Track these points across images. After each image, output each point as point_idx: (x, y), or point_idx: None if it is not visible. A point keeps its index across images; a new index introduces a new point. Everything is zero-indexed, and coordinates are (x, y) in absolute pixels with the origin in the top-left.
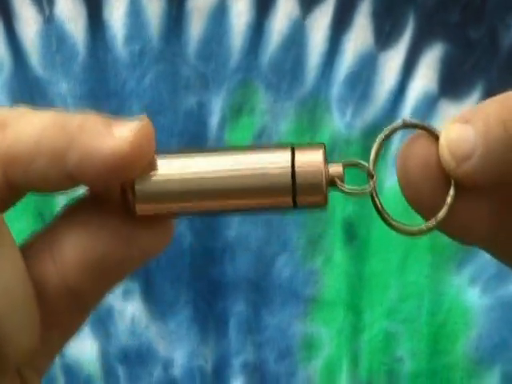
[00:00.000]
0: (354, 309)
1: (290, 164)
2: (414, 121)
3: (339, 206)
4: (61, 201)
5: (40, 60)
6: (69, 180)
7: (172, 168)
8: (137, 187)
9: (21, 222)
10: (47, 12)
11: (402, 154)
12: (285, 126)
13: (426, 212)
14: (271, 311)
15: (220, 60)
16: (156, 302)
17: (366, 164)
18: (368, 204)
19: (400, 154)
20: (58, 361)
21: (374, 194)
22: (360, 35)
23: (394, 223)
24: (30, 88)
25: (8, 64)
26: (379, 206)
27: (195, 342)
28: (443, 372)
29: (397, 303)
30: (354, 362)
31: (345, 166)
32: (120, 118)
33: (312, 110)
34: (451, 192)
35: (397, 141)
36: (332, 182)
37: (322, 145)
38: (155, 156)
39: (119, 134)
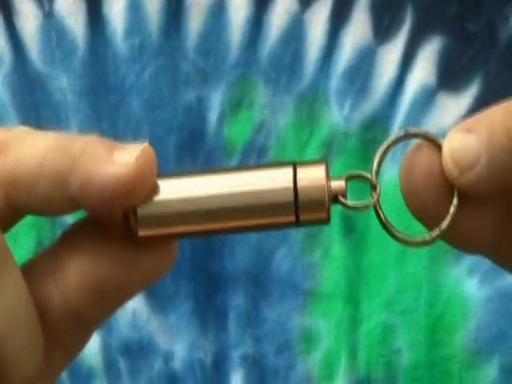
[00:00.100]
0: (353, 301)
1: (291, 181)
2: (417, 130)
3: None
4: None
5: (40, 55)
6: (71, 203)
7: (173, 190)
8: (139, 212)
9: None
10: (47, 7)
11: (406, 163)
12: (284, 120)
13: (430, 222)
14: (270, 304)
15: (219, 55)
16: (156, 296)
17: (369, 176)
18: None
19: (403, 164)
20: None
21: (378, 207)
22: (358, 29)
23: (398, 235)
24: (30, 83)
25: (8, 59)
26: (383, 218)
27: (195, 335)
28: (441, 363)
29: (395, 295)
30: (353, 354)
31: (347, 180)
32: (122, 142)
33: (311, 103)
34: (455, 201)
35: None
36: (335, 198)
37: (324, 160)
38: (156, 179)
39: (120, 160)
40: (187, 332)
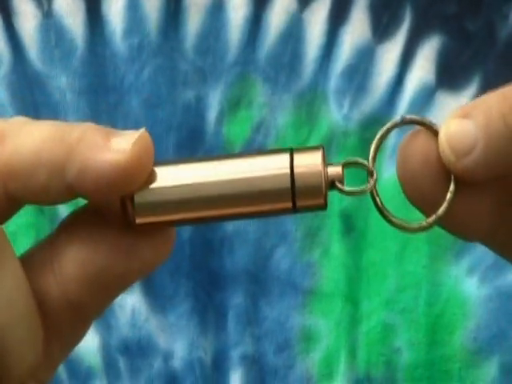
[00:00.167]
0: (352, 300)
1: (288, 167)
2: (413, 117)
3: (336, 198)
4: None
5: (39, 54)
6: (68, 192)
7: (170, 178)
8: (136, 199)
9: (20, 216)
10: (46, 7)
11: (402, 150)
12: (283, 119)
13: (427, 208)
14: (270, 303)
15: (218, 54)
16: (156, 295)
17: (366, 162)
18: (365, 196)
19: (400, 151)
20: None
21: (375, 193)
22: (357, 28)
23: (394, 220)
24: (29, 82)
25: (7, 59)
26: (379, 203)
27: (195, 334)
28: (441, 363)
29: (395, 294)
30: (352, 353)
31: (344, 166)
32: (120, 130)
33: (310, 102)
34: (451, 187)
35: (395, 132)
36: (331, 184)
37: (320, 147)
38: (154, 166)
39: (117, 147)
40: (186, 331)
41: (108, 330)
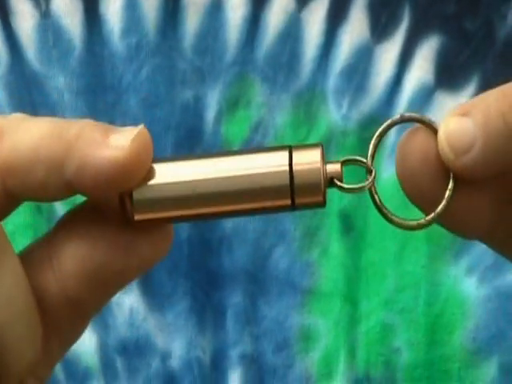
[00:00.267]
0: (351, 300)
1: (287, 165)
2: (412, 115)
3: (335, 197)
4: None
5: (37, 55)
6: (67, 189)
7: (169, 174)
8: (135, 195)
9: (18, 216)
10: (44, 7)
11: (401, 148)
12: (281, 119)
13: (426, 206)
14: (268, 302)
15: (216, 53)
16: (154, 294)
17: (365, 160)
18: (364, 195)
19: (399, 148)
20: None
21: (373, 190)
22: (356, 28)
23: (393, 218)
24: (27, 83)
25: (5, 59)
26: (378, 201)
27: (193, 334)
28: (440, 363)
29: (394, 293)
30: (352, 353)
31: (343, 164)
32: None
33: (308, 102)
34: (450, 185)
35: (393, 131)
36: (330, 181)
37: (319, 144)
38: (152, 163)
39: (116, 143)
40: (185, 330)
41: (105, 329)
